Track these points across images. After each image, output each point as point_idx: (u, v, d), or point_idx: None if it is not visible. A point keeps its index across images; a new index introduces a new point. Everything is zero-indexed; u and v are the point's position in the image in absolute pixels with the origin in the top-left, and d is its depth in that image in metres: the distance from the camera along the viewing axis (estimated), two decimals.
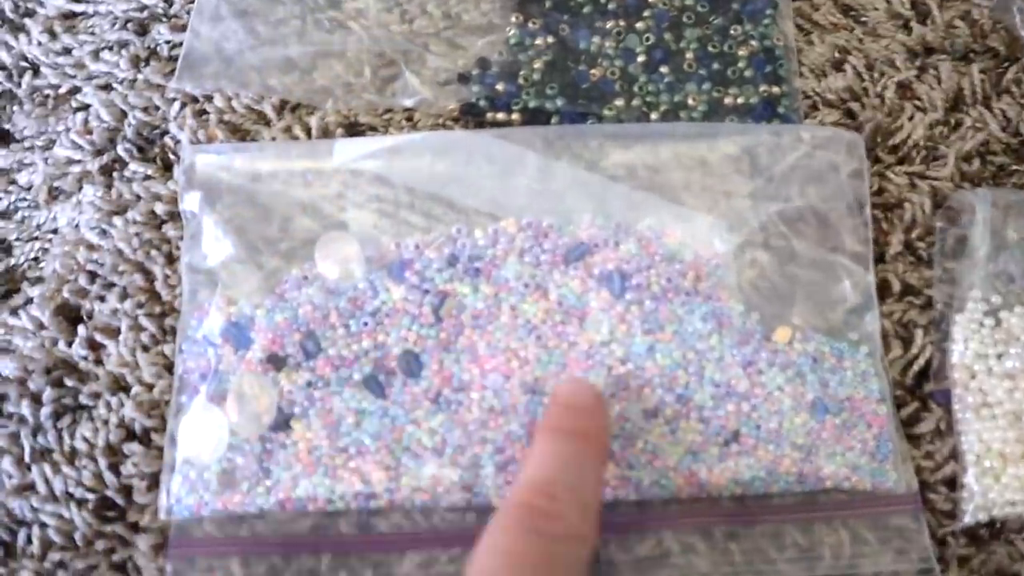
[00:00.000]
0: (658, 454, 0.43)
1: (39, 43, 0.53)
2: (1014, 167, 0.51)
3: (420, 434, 0.42)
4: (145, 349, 0.45)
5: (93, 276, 0.47)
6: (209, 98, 0.51)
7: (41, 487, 0.42)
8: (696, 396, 0.44)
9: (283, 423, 0.44)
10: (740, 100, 0.52)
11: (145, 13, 0.54)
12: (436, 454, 0.43)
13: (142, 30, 0.54)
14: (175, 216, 0.47)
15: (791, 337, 0.44)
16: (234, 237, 0.47)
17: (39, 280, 0.47)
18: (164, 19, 0.54)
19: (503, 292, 0.45)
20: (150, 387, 0.44)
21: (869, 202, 0.48)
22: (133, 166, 0.50)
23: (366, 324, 0.45)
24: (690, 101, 0.52)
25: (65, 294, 0.46)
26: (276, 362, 0.44)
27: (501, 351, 0.45)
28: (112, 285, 0.46)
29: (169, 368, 0.44)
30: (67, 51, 0.53)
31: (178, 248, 0.47)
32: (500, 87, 0.51)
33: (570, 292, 0.46)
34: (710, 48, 0.53)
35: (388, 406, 0.44)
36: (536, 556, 0.33)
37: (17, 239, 0.49)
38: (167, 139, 0.51)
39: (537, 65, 0.52)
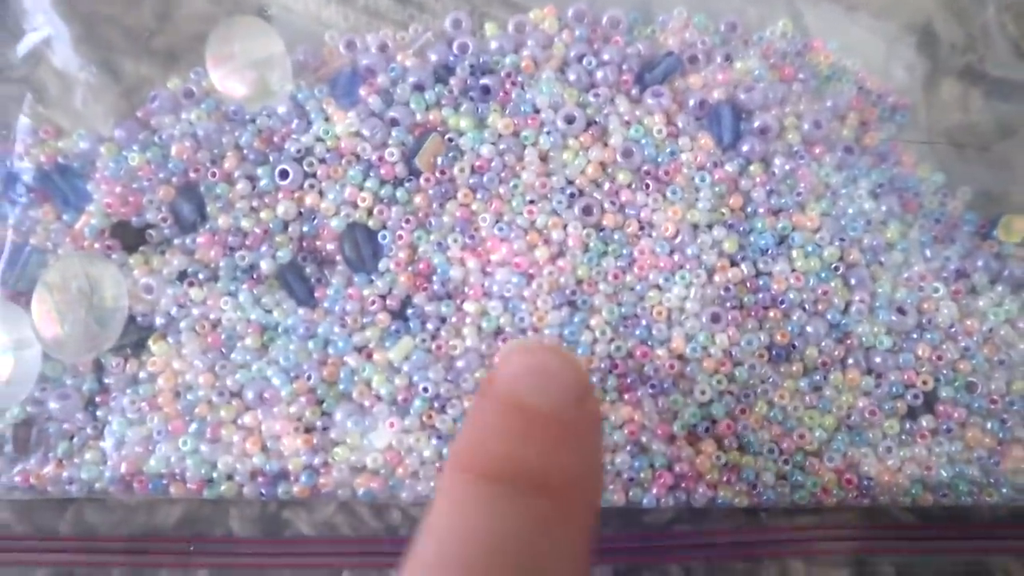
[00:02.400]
0: (791, 427, 0.24)
1: None
2: None
3: (370, 372, 0.23)
4: None
5: None
6: None
7: None
8: (860, 328, 0.25)
9: (134, 343, 0.25)
10: None
11: None
12: (397, 410, 0.24)
13: None
14: None
15: None
16: (75, 25, 0.27)
17: None
18: None
19: (528, 130, 0.25)
20: None
21: None
22: None
23: (287, 176, 0.25)
24: None
25: None
26: (127, 236, 0.25)
27: (520, 232, 0.25)
28: None
29: None
30: None
31: None
32: None
33: (646, 135, 0.26)
34: None
35: (316, 320, 0.25)
36: None
37: None
38: None
39: None
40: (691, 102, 0.26)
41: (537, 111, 0.26)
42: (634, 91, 0.27)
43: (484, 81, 0.26)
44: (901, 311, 0.25)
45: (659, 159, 0.26)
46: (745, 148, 0.26)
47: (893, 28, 0.29)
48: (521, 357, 0.18)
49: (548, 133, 0.26)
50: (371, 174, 0.26)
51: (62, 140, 0.27)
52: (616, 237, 0.26)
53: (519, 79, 0.27)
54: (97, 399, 0.25)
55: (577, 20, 0.27)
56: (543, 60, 0.27)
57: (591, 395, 0.18)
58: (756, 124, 0.26)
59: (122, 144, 0.26)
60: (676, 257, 0.25)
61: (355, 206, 0.26)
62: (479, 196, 0.26)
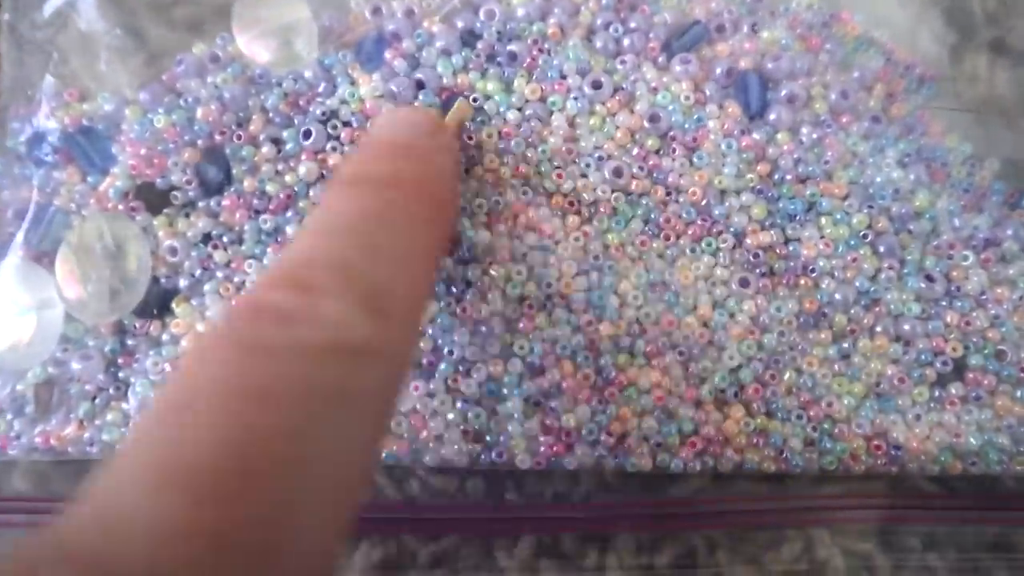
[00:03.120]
0: (819, 394, 0.24)
1: None
2: None
3: None
4: None
5: None
6: None
7: None
8: (889, 296, 0.25)
9: (158, 304, 0.25)
10: None
11: None
12: (421, 373, 0.24)
13: None
14: None
15: None
16: None
17: None
18: None
19: (555, 95, 0.25)
20: None
21: None
22: None
23: (309, 136, 0.25)
24: None
25: None
26: (151, 198, 0.25)
27: (545, 197, 0.25)
28: None
29: None
30: None
31: None
32: None
33: (672, 102, 0.25)
34: None
35: None
36: (259, 385, 0.15)
37: None
38: None
39: None
40: (718, 70, 0.26)
41: (564, 77, 0.26)
42: (661, 59, 0.27)
43: (511, 48, 0.26)
44: (930, 279, 0.25)
45: (686, 126, 0.26)
46: (772, 117, 0.26)
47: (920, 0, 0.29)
48: (384, 114, 0.25)
49: (575, 99, 0.26)
50: None
51: (87, 103, 0.27)
52: (643, 202, 0.25)
53: (546, 46, 0.26)
54: (119, 360, 0.25)
55: None
56: (570, 28, 0.27)
57: (443, 130, 0.24)
58: (783, 93, 0.26)
59: (147, 107, 0.26)
60: (703, 221, 0.25)
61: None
62: (507, 162, 0.26)
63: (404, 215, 0.20)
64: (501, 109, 0.26)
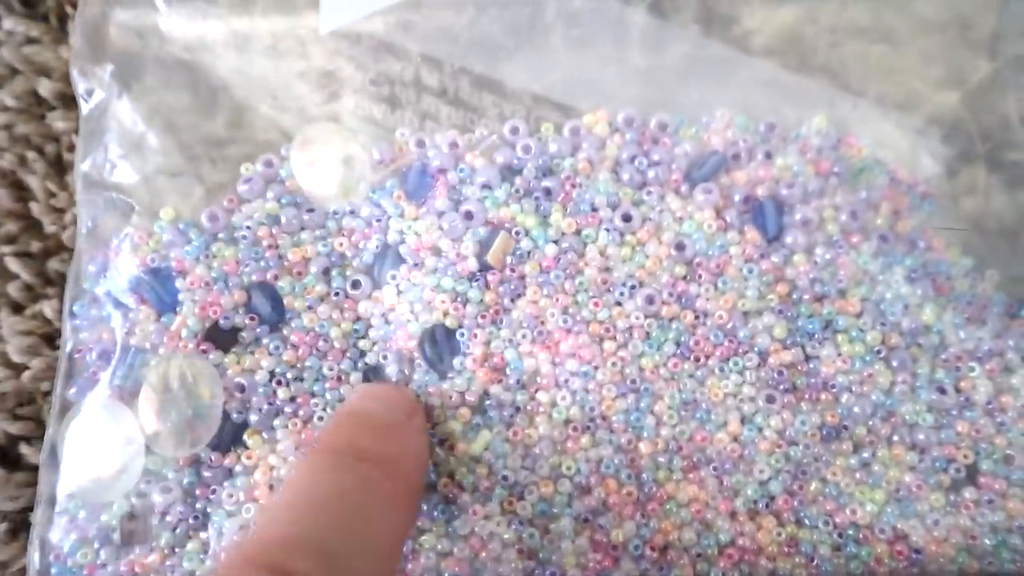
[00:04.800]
0: (843, 502, 0.26)
1: None
2: None
3: (452, 463, 0.25)
4: (15, 309, 0.28)
5: None
6: None
7: None
8: (904, 408, 0.27)
9: (231, 438, 0.27)
10: None
11: None
12: (479, 497, 0.26)
13: None
14: (69, 101, 0.29)
15: None
16: (161, 136, 0.29)
17: None
18: None
19: (589, 228, 0.28)
20: (18, 370, 0.30)
21: None
22: (8, 23, 0.32)
23: (358, 287, 0.27)
24: None
25: None
26: (220, 337, 0.27)
27: (585, 325, 0.27)
28: None
29: (51, 340, 0.28)
30: None
31: (70, 150, 0.29)
32: None
33: (696, 230, 0.28)
34: None
35: None
36: None
37: None
38: None
39: None
40: (737, 198, 0.29)
41: (595, 210, 0.28)
42: (684, 188, 0.29)
43: (546, 183, 0.29)
44: (941, 390, 0.27)
45: (710, 252, 0.28)
46: (789, 240, 0.28)
47: (920, 121, 0.31)
48: (365, 389, 0.27)
49: (607, 231, 0.28)
50: (448, 273, 0.28)
51: (152, 241, 0.29)
52: (674, 326, 0.28)
53: (578, 180, 0.29)
54: (197, 492, 0.27)
55: (627, 125, 0.30)
56: (598, 161, 0.29)
57: (418, 413, 0.26)
58: (798, 217, 0.28)
59: (207, 235, 0.28)
60: (729, 343, 0.27)
61: (431, 307, 0.28)
62: (546, 292, 0.28)
63: (379, 494, 0.23)
64: (540, 243, 0.28)
